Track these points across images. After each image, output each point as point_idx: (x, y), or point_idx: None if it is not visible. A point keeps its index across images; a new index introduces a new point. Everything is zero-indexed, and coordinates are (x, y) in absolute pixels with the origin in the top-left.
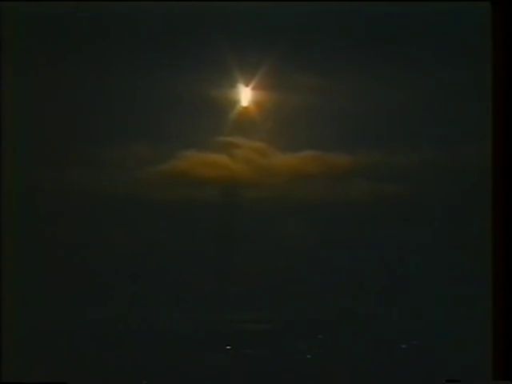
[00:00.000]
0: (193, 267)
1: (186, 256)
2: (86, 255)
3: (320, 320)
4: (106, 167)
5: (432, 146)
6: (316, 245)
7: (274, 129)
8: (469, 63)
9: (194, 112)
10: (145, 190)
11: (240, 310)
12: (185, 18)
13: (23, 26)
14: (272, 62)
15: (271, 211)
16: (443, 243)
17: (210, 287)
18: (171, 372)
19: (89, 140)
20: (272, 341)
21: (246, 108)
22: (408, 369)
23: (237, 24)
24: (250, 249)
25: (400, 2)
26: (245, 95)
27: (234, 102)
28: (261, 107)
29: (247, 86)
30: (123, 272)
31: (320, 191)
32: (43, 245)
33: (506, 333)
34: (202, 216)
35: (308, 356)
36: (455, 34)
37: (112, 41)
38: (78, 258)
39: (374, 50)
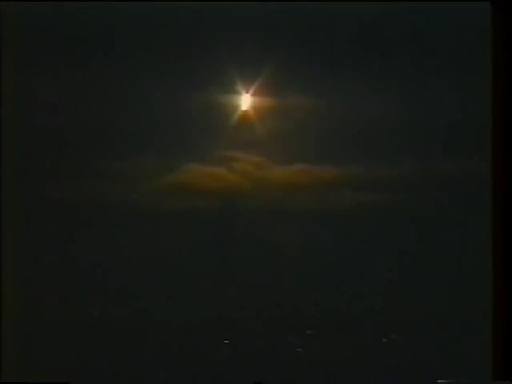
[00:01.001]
0: (194, 269)
1: (188, 258)
2: (94, 257)
3: (309, 318)
4: (116, 179)
5: (413, 159)
6: (306, 249)
7: (269, 143)
8: (468, 66)
9: (197, 121)
10: (152, 199)
11: (237, 308)
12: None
13: (23, 26)
14: (270, 71)
15: (265, 219)
16: (430, 247)
17: (209, 287)
18: (172, 363)
19: (99, 153)
20: (265, 335)
21: (245, 112)
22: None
23: (237, 31)
24: (246, 252)
25: (399, 2)
26: (245, 100)
27: (235, 107)
28: (259, 111)
29: (247, 92)
30: (129, 273)
31: (310, 201)
32: (51, 247)
33: (505, 333)
34: (203, 222)
35: (298, 349)
36: (455, 34)
37: (111, 43)
38: (86, 259)
39: (371, 54)
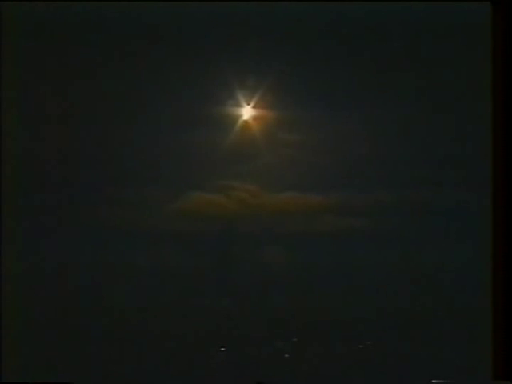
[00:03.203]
0: (195, 283)
1: (189, 274)
2: (105, 272)
3: (294, 327)
4: (128, 206)
5: (388, 188)
6: (293, 267)
7: (262, 173)
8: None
9: (199, 148)
10: (160, 224)
11: (232, 319)
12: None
13: (23, 26)
14: (269, 88)
15: (259, 240)
16: (405, 263)
17: (208, 300)
18: (171, 367)
19: (112, 183)
20: (257, 342)
21: (246, 122)
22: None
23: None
24: (240, 269)
25: (398, 1)
26: (246, 112)
27: (237, 118)
28: (259, 121)
29: (248, 104)
30: (136, 286)
31: (297, 224)
32: (67, 260)
33: (506, 333)
34: (204, 243)
35: (286, 355)
36: (455, 34)
37: (111, 47)
38: (97, 274)
39: (369, 63)
